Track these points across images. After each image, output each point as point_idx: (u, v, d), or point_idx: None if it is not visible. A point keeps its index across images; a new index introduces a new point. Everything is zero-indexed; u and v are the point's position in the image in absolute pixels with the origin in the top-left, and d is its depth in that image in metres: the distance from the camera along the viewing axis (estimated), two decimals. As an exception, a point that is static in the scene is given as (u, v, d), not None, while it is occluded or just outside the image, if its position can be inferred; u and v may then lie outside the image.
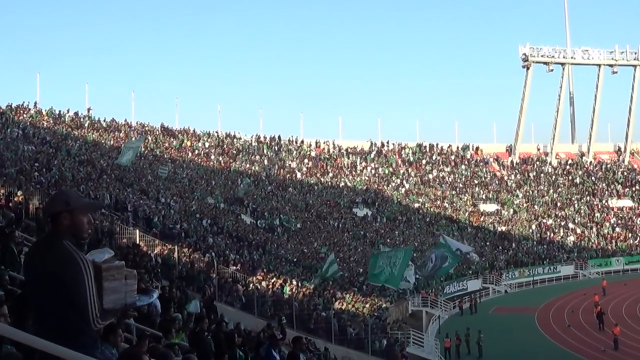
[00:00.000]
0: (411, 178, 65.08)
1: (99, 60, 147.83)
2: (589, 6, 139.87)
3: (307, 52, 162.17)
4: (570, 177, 70.29)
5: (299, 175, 58.83)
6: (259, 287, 28.37)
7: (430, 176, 66.35)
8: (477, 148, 73.75)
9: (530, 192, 66.71)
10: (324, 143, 67.53)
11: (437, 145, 72.00)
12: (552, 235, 59.13)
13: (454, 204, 61.25)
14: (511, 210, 62.53)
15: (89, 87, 60.76)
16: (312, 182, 57.81)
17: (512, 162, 72.49)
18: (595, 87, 73.15)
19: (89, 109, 53.81)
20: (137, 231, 25.62)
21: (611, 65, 72.22)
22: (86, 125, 50.42)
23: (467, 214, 59.69)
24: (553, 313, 39.04)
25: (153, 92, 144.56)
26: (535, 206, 64.08)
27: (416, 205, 59.36)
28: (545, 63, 71.76)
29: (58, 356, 3.04)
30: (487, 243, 54.34)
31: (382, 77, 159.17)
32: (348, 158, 66.06)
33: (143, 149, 49.71)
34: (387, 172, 65.21)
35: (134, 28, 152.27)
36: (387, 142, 70.73)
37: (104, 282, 3.41)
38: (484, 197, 64.17)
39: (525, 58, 71.25)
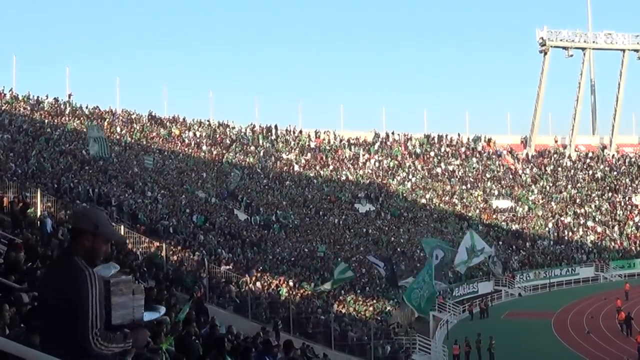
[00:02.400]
0: (418, 172, 65.04)
1: (81, 42, 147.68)
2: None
3: (306, 36, 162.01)
4: (590, 172, 70.22)
5: (296, 167, 58.78)
6: (253, 288, 28.40)
7: (439, 170, 66.31)
8: (490, 139, 73.67)
9: (547, 188, 66.67)
10: (324, 133, 67.44)
11: (446, 136, 71.94)
12: (570, 234, 59.14)
13: (464, 200, 61.23)
14: (526, 207, 62.50)
15: (70, 72, 60.35)
16: (311, 175, 57.78)
17: (527, 155, 72.43)
18: (618, 74, 73.07)
19: (69, 95, 53.83)
20: (122, 227, 25.57)
21: (636, 51, 72.11)
22: (67, 112, 50.31)
23: (478, 211, 59.68)
24: (571, 318, 39.06)
25: (140, 77, 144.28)
26: (552, 203, 64.06)
27: (423, 201, 59.35)
28: (564, 48, 71.63)
29: None
30: (500, 242, 54.25)
31: (387, 62, 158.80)
32: (350, 150, 66.00)
33: (129, 139, 49.73)
34: (391, 165, 65.16)
35: (118, 8, 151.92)
36: (392, 133, 70.63)
37: (112, 296, 3.51)
38: (496, 192, 64.13)
39: (543, 42, 71.07)
